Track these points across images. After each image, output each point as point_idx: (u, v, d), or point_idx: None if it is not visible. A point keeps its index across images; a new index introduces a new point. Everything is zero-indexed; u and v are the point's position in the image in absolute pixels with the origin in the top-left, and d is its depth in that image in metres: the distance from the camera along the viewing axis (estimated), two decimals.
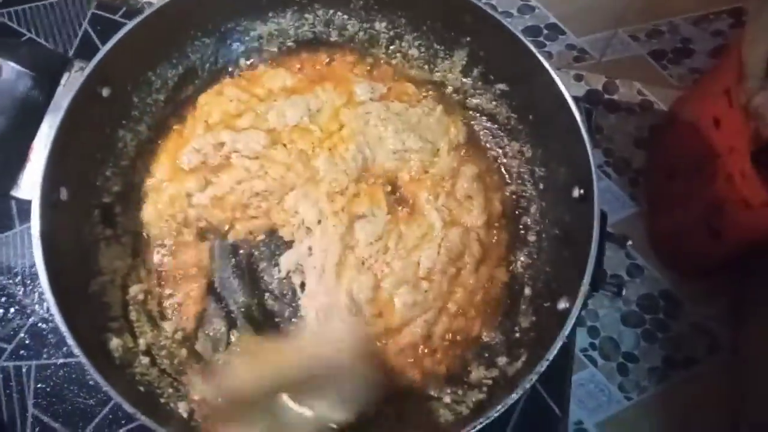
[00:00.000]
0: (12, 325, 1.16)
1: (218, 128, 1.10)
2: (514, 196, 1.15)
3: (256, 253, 1.11)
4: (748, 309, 1.32)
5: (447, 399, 0.99)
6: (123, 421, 1.10)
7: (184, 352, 1.03)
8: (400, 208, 1.10)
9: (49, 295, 0.85)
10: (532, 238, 1.11)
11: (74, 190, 0.96)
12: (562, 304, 0.92)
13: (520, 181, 1.15)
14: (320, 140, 1.11)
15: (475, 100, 1.19)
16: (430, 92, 1.20)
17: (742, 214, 1.14)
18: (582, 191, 0.97)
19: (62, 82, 1.00)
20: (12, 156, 0.94)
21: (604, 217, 0.91)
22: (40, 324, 1.16)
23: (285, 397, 0.91)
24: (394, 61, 1.21)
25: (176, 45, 1.12)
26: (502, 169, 1.16)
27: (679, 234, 1.34)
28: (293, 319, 1.07)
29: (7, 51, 0.98)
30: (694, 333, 1.35)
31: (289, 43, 1.21)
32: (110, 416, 1.10)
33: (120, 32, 0.99)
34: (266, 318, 1.08)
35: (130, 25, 1.00)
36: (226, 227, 1.10)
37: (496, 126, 1.18)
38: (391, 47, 1.20)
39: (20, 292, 1.17)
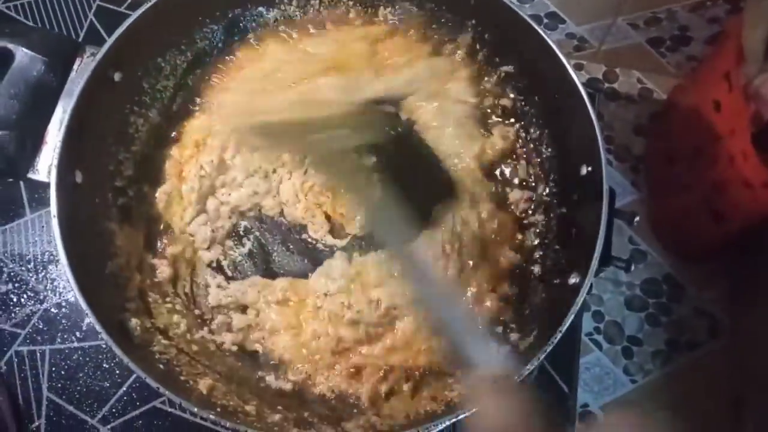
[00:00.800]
0: (25, 311, 1.17)
1: None
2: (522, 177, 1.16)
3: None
4: (749, 291, 1.33)
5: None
6: (138, 403, 1.11)
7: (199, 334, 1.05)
8: None
9: (69, 274, 0.86)
10: (540, 217, 1.12)
11: (89, 174, 0.98)
12: (573, 279, 0.93)
13: (526, 162, 1.16)
14: None
15: (480, 82, 1.19)
16: None
17: (743, 195, 1.15)
18: (590, 168, 0.98)
19: (75, 67, 1.01)
20: (28, 140, 0.95)
21: (612, 193, 0.93)
22: (53, 309, 1.17)
23: None
24: None
25: (185, 31, 1.14)
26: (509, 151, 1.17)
27: (681, 218, 1.36)
28: None
29: (20, 36, 0.99)
30: (696, 316, 1.36)
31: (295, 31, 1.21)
32: (124, 398, 1.12)
33: (130, 17, 1.00)
34: None
35: (140, 10, 1.01)
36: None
37: (501, 109, 1.19)
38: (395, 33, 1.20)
39: (32, 279, 1.18)
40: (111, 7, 1.40)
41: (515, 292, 1.07)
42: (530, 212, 1.13)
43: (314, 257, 1.13)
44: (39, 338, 1.15)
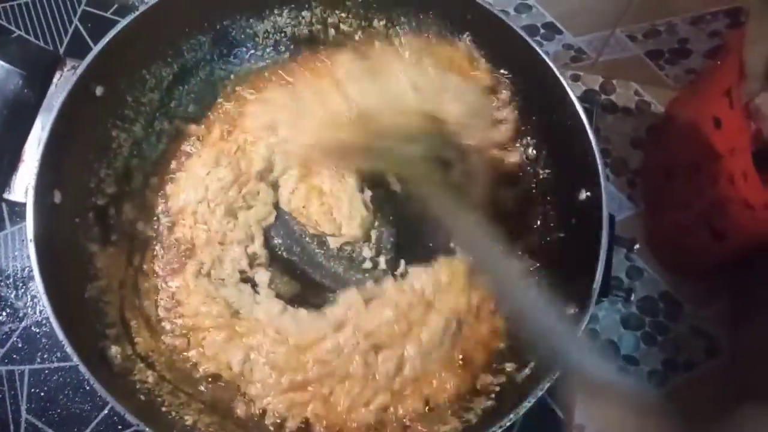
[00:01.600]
0: (4, 329, 1.14)
1: None
2: (517, 199, 1.13)
3: None
4: (747, 310, 1.31)
5: (454, 406, 0.97)
6: (119, 427, 1.08)
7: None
8: None
9: (45, 301, 0.84)
10: (535, 241, 1.09)
11: (68, 193, 0.95)
12: (571, 310, 0.90)
13: (523, 184, 1.13)
14: None
15: None
16: None
17: (743, 215, 1.13)
18: (589, 194, 0.95)
19: (54, 81, 0.98)
20: (4, 157, 0.92)
21: (612, 220, 0.90)
22: (33, 328, 1.14)
23: None
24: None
25: (171, 43, 1.11)
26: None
27: (678, 234, 1.33)
28: None
29: None
30: (693, 336, 1.34)
31: (286, 41, 1.20)
32: (106, 422, 1.09)
33: (114, 29, 0.98)
34: None
35: (124, 22, 0.99)
36: None
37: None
38: (389, 46, 1.18)
39: (12, 295, 1.15)
40: (97, 12, 1.37)
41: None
42: (525, 235, 1.10)
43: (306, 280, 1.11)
44: (18, 357, 1.12)
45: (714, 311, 1.34)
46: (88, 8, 1.37)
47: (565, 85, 0.98)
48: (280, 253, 1.13)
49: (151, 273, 1.06)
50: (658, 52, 1.44)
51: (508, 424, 0.83)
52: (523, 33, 1.02)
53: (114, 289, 1.01)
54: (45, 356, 1.12)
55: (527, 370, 0.95)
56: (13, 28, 1.35)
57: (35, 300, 1.15)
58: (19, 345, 1.13)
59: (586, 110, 0.97)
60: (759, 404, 0.72)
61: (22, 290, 1.16)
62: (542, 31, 1.44)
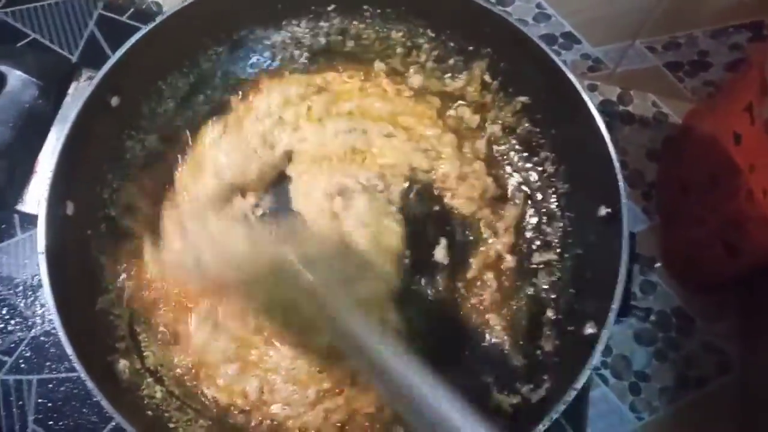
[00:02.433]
0: (13, 338, 1.13)
1: None
2: (534, 214, 1.12)
3: None
4: (760, 327, 1.30)
5: None
6: None
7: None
8: None
9: (55, 314, 0.83)
10: (553, 257, 1.08)
11: (80, 204, 0.94)
12: (589, 330, 0.89)
13: (541, 198, 1.12)
14: None
15: (494, 113, 1.16)
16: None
17: (762, 232, 1.11)
18: (609, 210, 0.94)
19: (69, 91, 0.97)
20: (17, 168, 0.92)
21: (632, 238, 0.89)
22: (41, 337, 1.13)
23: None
24: (410, 71, 1.19)
25: (188, 53, 1.10)
26: (522, 186, 1.14)
27: (693, 249, 1.32)
28: None
29: (13, 58, 0.96)
30: (705, 352, 1.32)
31: (303, 52, 1.19)
32: None
33: (131, 40, 0.97)
34: None
35: (141, 32, 0.98)
36: None
37: (516, 140, 1.16)
38: (408, 58, 1.18)
39: (21, 304, 1.15)
40: (113, 16, 1.36)
41: (527, 335, 1.04)
42: (543, 250, 1.10)
43: None
44: (26, 367, 1.12)
45: (726, 327, 1.33)
46: (104, 12, 1.36)
47: (586, 98, 0.97)
48: None
49: (162, 287, 1.05)
50: (677, 63, 1.43)
51: None
52: (543, 44, 1.01)
53: (124, 302, 1.00)
54: (53, 366, 1.11)
55: (542, 391, 0.94)
56: (28, 31, 1.34)
57: (44, 309, 1.15)
58: (28, 354, 1.12)
59: (604, 122, 0.96)
60: None
61: (32, 299, 1.15)
62: (560, 40, 1.42)
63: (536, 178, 1.14)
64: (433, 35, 1.14)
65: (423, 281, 1.09)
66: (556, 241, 1.09)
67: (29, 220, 1.15)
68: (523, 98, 1.12)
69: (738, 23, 1.29)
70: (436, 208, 1.13)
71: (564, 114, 1.04)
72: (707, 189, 1.26)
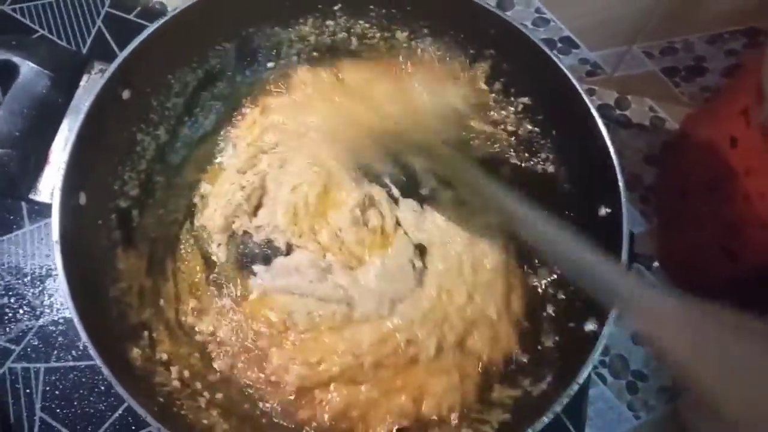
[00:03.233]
0: (21, 327, 1.14)
1: None
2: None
3: None
4: None
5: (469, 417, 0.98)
6: (133, 428, 1.08)
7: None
8: None
9: (69, 302, 0.84)
10: None
11: (93, 194, 0.95)
12: (590, 326, 0.91)
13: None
14: None
15: (496, 114, 1.17)
16: None
17: (759, 236, 1.12)
18: (609, 210, 0.96)
19: (81, 83, 0.98)
20: (31, 158, 0.92)
21: (631, 237, 0.90)
22: (49, 326, 1.14)
23: None
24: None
25: (196, 49, 1.11)
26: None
27: (691, 253, 1.33)
28: None
29: (26, 50, 0.96)
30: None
31: (310, 50, 1.21)
32: (120, 422, 1.09)
33: (142, 34, 0.98)
34: None
35: (152, 27, 0.99)
36: None
37: (517, 141, 1.17)
38: (412, 58, 1.19)
39: (30, 293, 1.16)
40: (120, 14, 1.37)
41: (528, 330, 1.05)
42: None
43: None
44: (34, 355, 1.13)
45: None
46: (111, 10, 1.37)
47: (586, 99, 0.99)
48: None
49: (172, 278, 1.06)
50: (674, 69, 1.45)
51: None
52: (545, 47, 1.02)
53: (135, 292, 1.01)
54: (61, 355, 1.12)
55: (543, 385, 0.95)
56: (36, 27, 1.36)
57: (52, 299, 1.16)
58: (35, 343, 1.13)
59: (605, 126, 0.97)
60: None
61: (40, 288, 1.16)
62: (559, 45, 1.44)
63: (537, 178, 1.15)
64: (437, 36, 1.16)
65: None
66: None
67: (38, 212, 1.17)
68: (524, 99, 1.14)
69: (734, 29, 1.31)
70: None
71: (565, 115, 1.05)
72: (705, 193, 1.27)
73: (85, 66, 0.99)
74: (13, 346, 1.13)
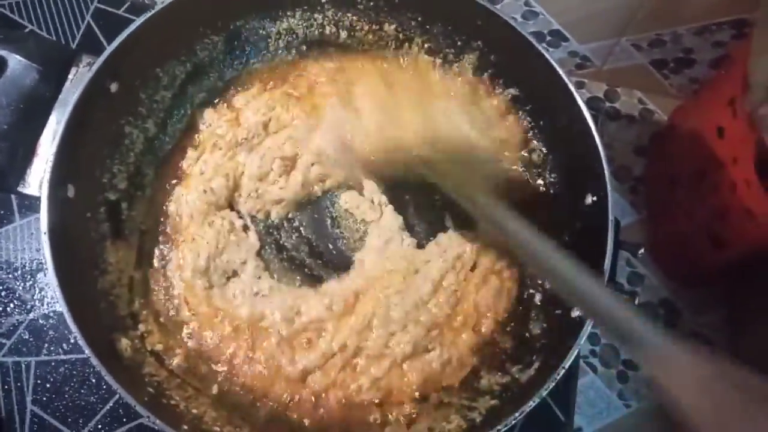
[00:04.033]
0: (11, 321, 1.14)
1: None
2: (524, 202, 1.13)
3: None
4: (747, 318, 1.32)
5: (458, 404, 0.99)
6: (124, 419, 1.09)
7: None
8: None
9: (58, 293, 0.84)
10: None
11: (81, 187, 0.96)
12: (576, 312, 0.91)
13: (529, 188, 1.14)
14: None
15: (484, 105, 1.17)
16: None
17: (745, 224, 1.13)
18: (595, 198, 0.96)
19: (69, 76, 0.98)
20: (19, 151, 0.93)
21: (617, 225, 0.91)
22: (40, 320, 1.14)
23: None
24: (402, 63, 1.21)
25: (185, 42, 1.12)
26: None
27: (680, 242, 1.34)
28: None
29: (13, 43, 0.96)
30: (692, 341, 1.35)
31: (298, 44, 1.21)
32: (111, 414, 1.09)
33: (130, 27, 0.98)
34: None
35: (141, 20, 0.99)
36: None
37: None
38: (400, 50, 1.20)
39: (20, 287, 1.16)
40: (109, 9, 1.37)
41: (515, 319, 1.06)
42: None
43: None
44: (25, 349, 1.13)
45: (713, 318, 1.36)
46: (100, 5, 1.37)
47: (573, 90, 1.00)
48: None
49: (161, 269, 1.07)
50: (662, 61, 1.45)
51: (513, 422, 0.83)
52: (532, 39, 1.03)
53: (124, 283, 1.01)
54: (51, 348, 1.13)
55: (531, 371, 0.96)
56: (26, 23, 1.36)
57: (43, 293, 1.16)
58: (26, 337, 1.13)
59: (592, 116, 0.98)
60: None
61: (30, 282, 1.17)
62: (548, 38, 1.45)
63: (524, 168, 1.16)
64: (425, 28, 1.16)
65: None
66: (543, 229, 1.10)
67: (28, 206, 1.17)
68: (512, 90, 1.15)
69: (721, 20, 1.31)
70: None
71: (552, 105, 1.06)
72: (693, 183, 1.28)
73: (74, 59, 0.99)
74: (3, 340, 1.13)
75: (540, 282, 1.08)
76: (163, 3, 1.01)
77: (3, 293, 1.16)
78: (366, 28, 1.19)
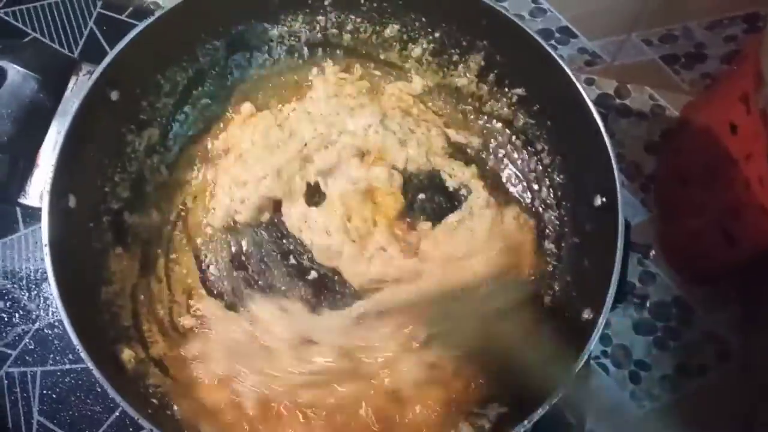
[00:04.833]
0: (17, 331, 1.14)
1: None
2: (532, 204, 1.13)
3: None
4: (760, 316, 1.31)
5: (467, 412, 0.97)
6: (131, 429, 1.08)
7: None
8: None
9: (59, 305, 0.84)
10: (550, 246, 1.09)
11: (82, 197, 0.95)
12: (586, 315, 0.90)
13: (537, 189, 1.13)
14: None
15: (490, 106, 1.17)
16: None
17: (759, 221, 1.12)
18: (605, 200, 0.95)
19: (69, 85, 0.97)
20: (19, 162, 0.92)
21: (627, 226, 0.90)
22: (45, 330, 1.14)
23: None
24: (407, 65, 1.20)
25: (186, 48, 1.11)
26: (520, 177, 1.15)
27: (692, 240, 1.32)
28: None
29: (13, 53, 0.96)
30: (705, 340, 1.33)
31: (300, 46, 1.20)
32: (118, 424, 1.09)
33: (130, 34, 0.97)
34: None
35: (140, 27, 0.98)
36: None
37: (512, 132, 1.17)
38: (404, 51, 1.19)
39: (25, 297, 1.16)
40: (112, 15, 1.37)
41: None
42: (539, 240, 1.11)
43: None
44: (30, 359, 1.13)
45: (726, 316, 1.34)
46: (103, 11, 1.37)
47: (581, 89, 0.98)
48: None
49: (165, 279, 1.06)
50: (673, 56, 1.44)
51: (522, 430, 0.82)
52: (537, 37, 1.01)
53: (128, 293, 1.01)
54: (57, 358, 1.12)
55: None
56: (28, 30, 1.35)
57: (48, 302, 1.16)
58: (32, 347, 1.13)
59: (601, 114, 0.96)
60: None
61: (35, 292, 1.16)
62: (557, 35, 1.43)
63: (533, 169, 1.14)
64: (430, 29, 1.15)
65: None
66: (553, 231, 1.09)
67: (32, 215, 1.17)
68: (519, 90, 1.13)
69: (733, 15, 1.30)
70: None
71: (560, 105, 1.04)
72: (705, 180, 1.26)
73: (73, 68, 0.98)
74: (9, 351, 1.13)
75: (550, 284, 1.06)
76: (162, 9, 0.99)
77: (8, 303, 1.16)
78: (370, 30, 1.17)
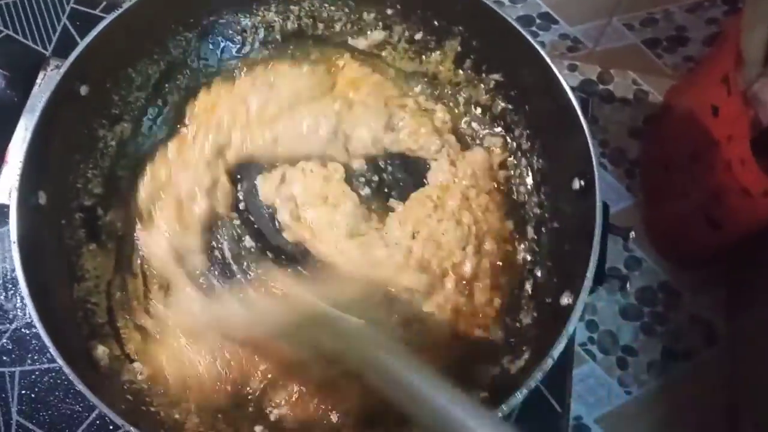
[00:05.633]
0: None
1: None
2: (511, 189, 1.12)
3: None
4: (745, 298, 1.31)
5: None
6: (110, 427, 1.07)
7: None
8: None
9: (29, 302, 0.83)
10: (530, 231, 1.08)
11: (53, 194, 0.93)
12: (565, 300, 0.89)
13: (517, 173, 1.12)
14: None
15: (468, 92, 1.16)
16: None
17: (741, 203, 1.12)
18: (583, 183, 0.94)
19: (38, 80, 0.96)
20: None
21: (606, 208, 0.89)
22: (23, 329, 1.12)
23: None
24: (383, 53, 1.19)
25: (156, 40, 1.09)
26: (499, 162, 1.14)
27: (676, 224, 1.33)
28: None
29: None
30: (691, 324, 1.33)
31: (275, 37, 1.19)
32: (97, 422, 1.07)
33: (98, 27, 0.96)
34: None
35: (108, 19, 0.97)
36: None
37: (490, 119, 1.16)
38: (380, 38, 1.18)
39: (2, 297, 1.14)
40: (85, 9, 1.35)
41: (505, 309, 1.04)
42: (519, 225, 1.10)
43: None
44: (8, 359, 1.11)
45: (712, 299, 1.35)
46: (76, 6, 1.35)
47: (557, 72, 0.97)
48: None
49: (140, 274, 1.05)
50: (655, 40, 1.43)
51: (501, 415, 0.81)
52: (512, 21, 1.01)
53: (102, 290, 1.00)
54: (35, 357, 1.10)
55: (521, 362, 0.93)
56: (0, 27, 1.33)
57: (25, 301, 1.13)
58: (9, 347, 1.11)
59: (579, 98, 0.95)
60: None
61: (12, 291, 1.14)
62: (538, 21, 1.42)
63: (512, 154, 1.14)
64: (404, 15, 1.14)
65: None
66: (533, 216, 1.08)
67: (5, 216, 1.15)
68: (496, 76, 1.12)
69: None
70: None
71: (537, 90, 1.04)
72: (688, 163, 1.26)
73: (42, 63, 0.97)
74: None
75: (530, 270, 1.06)
76: (130, 1, 0.98)
77: None
78: (344, 18, 1.17)
